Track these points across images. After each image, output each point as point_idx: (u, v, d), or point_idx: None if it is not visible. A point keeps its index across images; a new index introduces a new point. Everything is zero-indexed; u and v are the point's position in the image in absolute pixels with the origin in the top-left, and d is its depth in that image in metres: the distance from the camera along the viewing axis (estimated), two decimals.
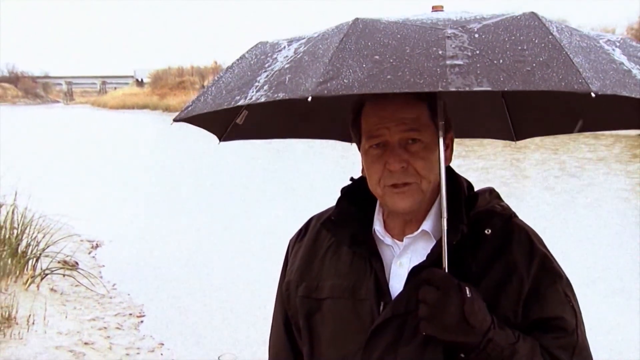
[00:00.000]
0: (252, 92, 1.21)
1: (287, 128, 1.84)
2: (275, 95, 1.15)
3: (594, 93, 1.03)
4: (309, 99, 1.07)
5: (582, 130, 1.85)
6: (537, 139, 20.09)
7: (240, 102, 1.22)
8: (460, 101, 1.65)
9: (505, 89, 1.07)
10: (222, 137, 1.70)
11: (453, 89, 1.06)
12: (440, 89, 1.06)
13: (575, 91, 1.04)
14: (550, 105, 1.71)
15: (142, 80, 78.17)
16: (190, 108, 1.40)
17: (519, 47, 1.12)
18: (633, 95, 1.13)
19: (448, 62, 1.09)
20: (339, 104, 1.65)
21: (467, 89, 1.06)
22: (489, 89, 1.06)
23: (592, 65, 1.14)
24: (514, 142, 1.95)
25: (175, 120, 1.46)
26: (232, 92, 1.28)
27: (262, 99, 1.17)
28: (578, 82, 1.05)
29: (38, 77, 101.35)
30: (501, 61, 1.09)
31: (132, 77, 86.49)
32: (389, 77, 1.08)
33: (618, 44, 1.29)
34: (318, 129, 1.89)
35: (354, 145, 1.57)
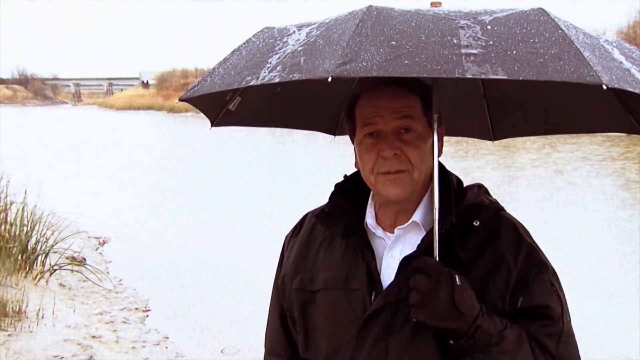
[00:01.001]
0: (265, 72, 1.19)
1: (277, 117, 1.84)
2: (291, 75, 1.14)
3: (605, 85, 1.03)
4: (329, 79, 1.05)
5: (558, 132, 1.86)
6: (528, 139, 20.14)
7: (252, 83, 1.20)
8: (444, 99, 1.65)
9: (521, 78, 1.05)
10: (214, 121, 1.69)
11: (469, 76, 1.05)
12: (457, 75, 1.05)
13: (587, 83, 1.04)
14: (529, 107, 1.72)
15: (147, 82, 78.20)
16: (196, 88, 1.38)
17: (531, 40, 1.12)
18: (636, 92, 1.13)
19: (463, 50, 1.08)
20: (326, 98, 1.69)
21: (483, 76, 1.05)
22: (504, 77, 1.05)
23: (599, 60, 1.14)
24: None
25: (180, 99, 1.44)
26: (241, 72, 1.26)
27: (276, 80, 1.15)
28: (590, 74, 1.05)
29: (47, 79, 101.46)
30: (514, 52, 1.08)
31: (137, 78, 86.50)
32: (406, 62, 1.07)
33: (615, 45, 1.31)
34: (306, 120, 1.90)
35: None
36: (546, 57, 1.08)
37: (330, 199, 1.54)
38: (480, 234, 1.42)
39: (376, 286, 1.42)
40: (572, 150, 19.43)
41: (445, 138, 1.53)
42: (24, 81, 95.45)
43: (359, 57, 1.08)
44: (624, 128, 1.61)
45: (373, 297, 1.42)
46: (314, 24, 1.31)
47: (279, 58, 1.21)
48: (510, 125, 1.87)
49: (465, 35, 1.12)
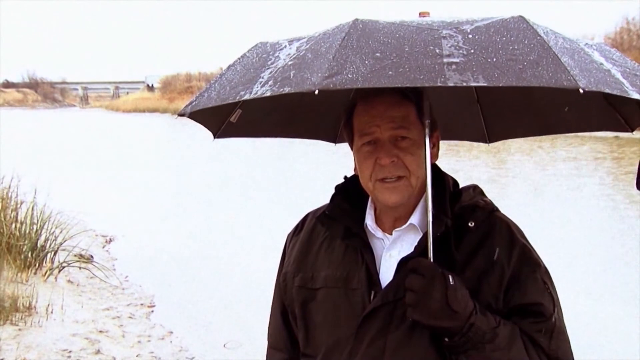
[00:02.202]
0: (257, 87, 1.20)
1: (278, 128, 1.84)
2: (281, 89, 1.14)
3: (582, 89, 1.03)
4: (316, 92, 1.06)
5: (551, 133, 1.88)
6: (520, 141, 20.08)
7: (245, 97, 1.21)
8: (440, 106, 1.66)
9: (500, 85, 1.06)
10: (217, 134, 1.69)
11: (451, 84, 1.05)
12: (439, 84, 1.06)
13: (564, 87, 1.04)
14: (522, 110, 1.73)
15: (152, 85, 78.17)
16: (194, 103, 1.39)
17: (510, 47, 1.12)
18: (615, 93, 1.14)
19: (445, 60, 1.09)
20: (326, 107, 1.69)
21: (464, 84, 1.06)
22: (484, 84, 1.06)
23: (577, 64, 1.14)
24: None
25: (179, 114, 1.44)
26: (236, 87, 1.27)
27: (268, 93, 1.16)
28: (567, 79, 1.05)
29: (56, 83, 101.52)
30: (494, 59, 1.09)
31: (143, 82, 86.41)
32: (390, 72, 1.08)
33: (595, 47, 1.31)
34: (306, 129, 1.91)
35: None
36: (525, 63, 1.08)
37: (331, 200, 1.55)
38: (475, 234, 1.42)
39: (375, 285, 1.43)
40: (563, 149, 19.38)
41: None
42: (34, 85, 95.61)
43: (344, 70, 1.09)
44: (613, 127, 1.63)
45: (372, 296, 1.43)
46: (304, 38, 1.32)
47: (270, 72, 1.22)
48: (504, 127, 1.88)
49: (447, 44, 1.12)
